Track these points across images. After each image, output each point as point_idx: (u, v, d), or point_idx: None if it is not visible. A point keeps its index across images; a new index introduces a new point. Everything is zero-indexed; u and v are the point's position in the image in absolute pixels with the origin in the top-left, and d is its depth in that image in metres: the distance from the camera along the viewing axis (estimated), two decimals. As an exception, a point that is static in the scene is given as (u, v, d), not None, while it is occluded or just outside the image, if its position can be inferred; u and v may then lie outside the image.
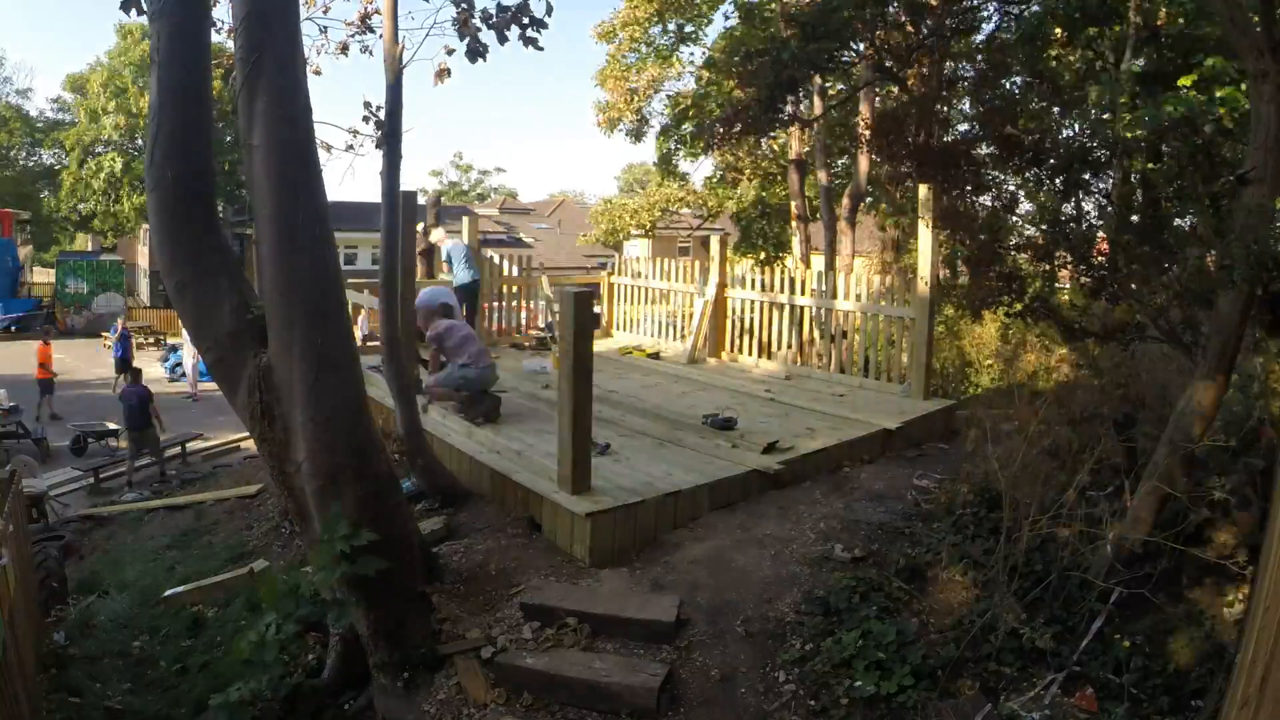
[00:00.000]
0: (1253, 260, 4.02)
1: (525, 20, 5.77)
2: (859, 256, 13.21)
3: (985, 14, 11.27)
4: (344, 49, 6.49)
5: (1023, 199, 5.67)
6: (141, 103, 30.41)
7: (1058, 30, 10.31)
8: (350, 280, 9.70)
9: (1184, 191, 4.42)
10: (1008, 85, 10.58)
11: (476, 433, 6.86)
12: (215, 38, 5.35)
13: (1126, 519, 4.64)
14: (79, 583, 7.17)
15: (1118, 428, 5.56)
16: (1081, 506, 4.83)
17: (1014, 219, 5.65)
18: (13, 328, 25.59)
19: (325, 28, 6.52)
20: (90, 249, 36.90)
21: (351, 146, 6.25)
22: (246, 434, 7.12)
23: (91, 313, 27.89)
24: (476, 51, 5.79)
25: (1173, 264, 4.42)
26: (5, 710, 4.15)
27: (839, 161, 16.08)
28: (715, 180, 18.49)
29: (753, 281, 10.00)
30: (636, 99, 16.48)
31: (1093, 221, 5.07)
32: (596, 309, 10.77)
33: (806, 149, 13.84)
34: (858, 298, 8.68)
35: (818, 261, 12.98)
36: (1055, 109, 8.78)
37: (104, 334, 24.99)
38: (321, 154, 4.85)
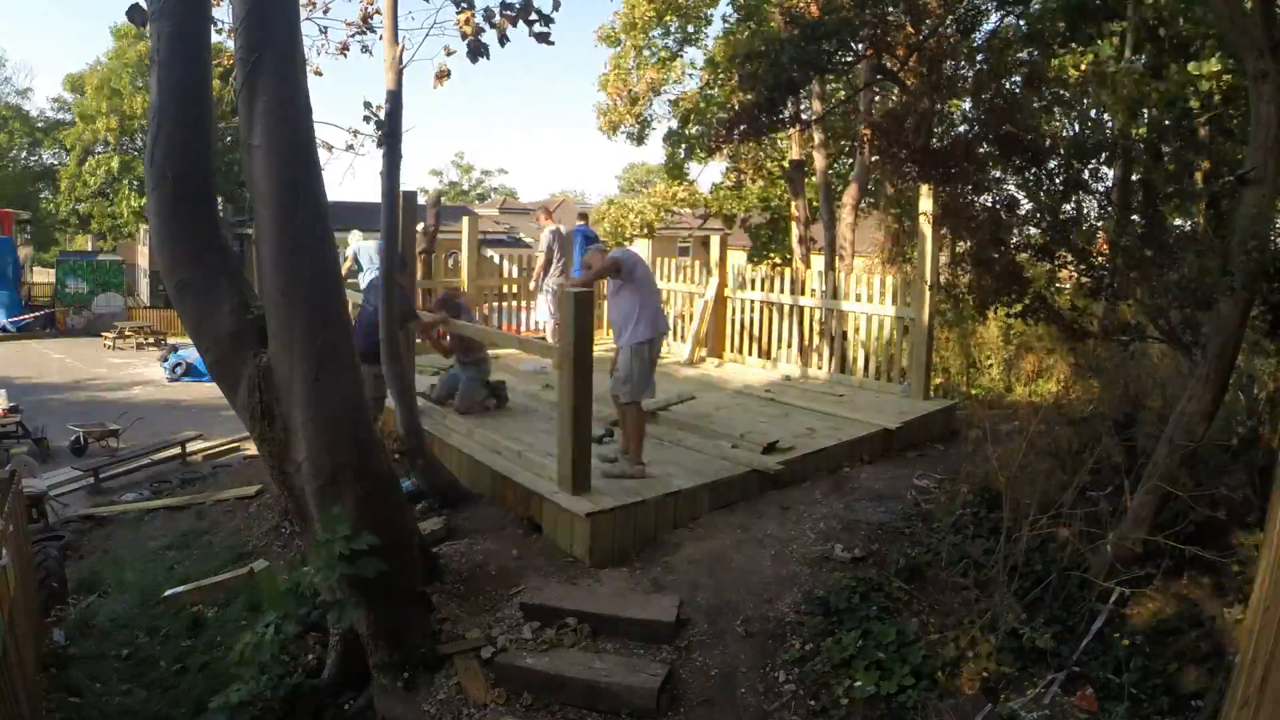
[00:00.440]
0: (1253, 267, 4.03)
1: (532, 17, 5.77)
2: (859, 256, 13.21)
3: (985, 12, 11.26)
4: (344, 49, 6.50)
5: (1023, 199, 5.67)
6: (136, 104, 30.40)
7: (1059, 26, 10.31)
8: (350, 280, 9.71)
9: (1184, 192, 4.41)
10: (1008, 85, 10.57)
11: (476, 432, 6.86)
12: (215, 38, 5.34)
13: (1126, 519, 4.64)
14: (79, 583, 7.16)
15: (1118, 428, 5.56)
16: (1081, 506, 4.83)
17: (1014, 219, 5.65)
18: (11, 327, 25.58)
19: (325, 28, 6.53)
20: (90, 249, 36.89)
21: (351, 146, 6.26)
22: (246, 434, 7.11)
23: (91, 313, 27.87)
24: (477, 51, 5.79)
25: (1173, 265, 4.42)
26: (5, 710, 4.15)
27: (838, 162, 16.09)
28: (724, 187, 18.46)
29: (753, 282, 10.00)
30: (638, 103, 16.48)
31: (1093, 221, 5.07)
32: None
33: (806, 150, 13.84)
34: (858, 298, 8.68)
35: (818, 262, 12.98)
36: (1055, 109, 8.77)
37: (104, 334, 24.99)
38: (321, 154, 4.86)
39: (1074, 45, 10.24)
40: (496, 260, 11.35)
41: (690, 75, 16.88)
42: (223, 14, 5.59)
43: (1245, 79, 4.73)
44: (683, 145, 17.81)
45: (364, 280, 9.58)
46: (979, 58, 9.79)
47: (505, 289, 11.24)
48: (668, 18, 16.05)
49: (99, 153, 32.76)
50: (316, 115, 4.65)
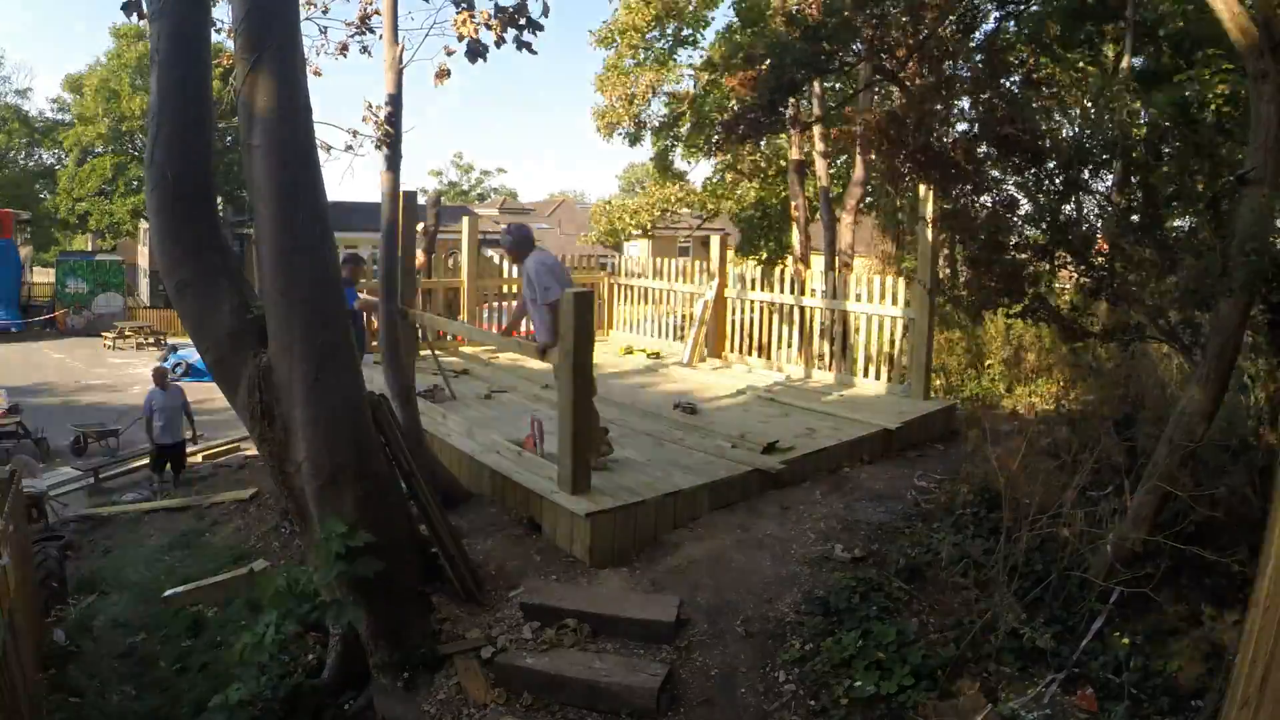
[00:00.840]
0: (1252, 267, 4.03)
1: (522, 22, 5.78)
2: (859, 257, 13.20)
3: (985, 13, 11.26)
4: (344, 49, 6.50)
5: (1022, 199, 5.66)
6: (134, 105, 30.41)
7: (1057, 29, 10.31)
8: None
9: (1184, 192, 4.41)
10: (1007, 85, 10.58)
11: (477, 433, 6.86)
12: (215, 38, 5.35)
13: (1126, 519, 4.64)
14: (79, 583, 7.17)
15: (1118, 428, 5.57)
16: (1081, 506, 4.83)
17: (1014, 219, 5.64)
18: (15, 327, 25.57)
19: (325, 28, 6.52)
20: (90, 249, 36.90)
21: (351, 146, 6.25)
22: (246, 434, 7.12)
23: (91, 313, 27.88)
24: (476, 52, 5.80)
25: (1173, 266, 4.42)
26: (5, 710, 4.15)
27: (838, 161, 16.08)
28: (714, 181, 18.49)
29: (753, 282, 10.00)
30: (635, 104, 16.48)
31: (1093, 221, 5.07)
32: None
33: (806, 150, 13.84)
34: (858, 298, 8.68)
35: (818, 262, 12.98)
36: (1054, 111, 8.78)
37: (104, 334, 24.99)
38: (321, 154, 4.86)
39: (1071, 52, 10.27)
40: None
41: (687, 76, 16.89)
42: (223, 14, 5.60)
43: (1245, 79, 4.73)
44: (672, 141, 17.84)
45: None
46: (978, 58, 9.80)
47: (505, 289, 11.23)
48: (666, 21, 16.05)
49: (99, 153, 32.78)
50: (316, 115, 4.66)
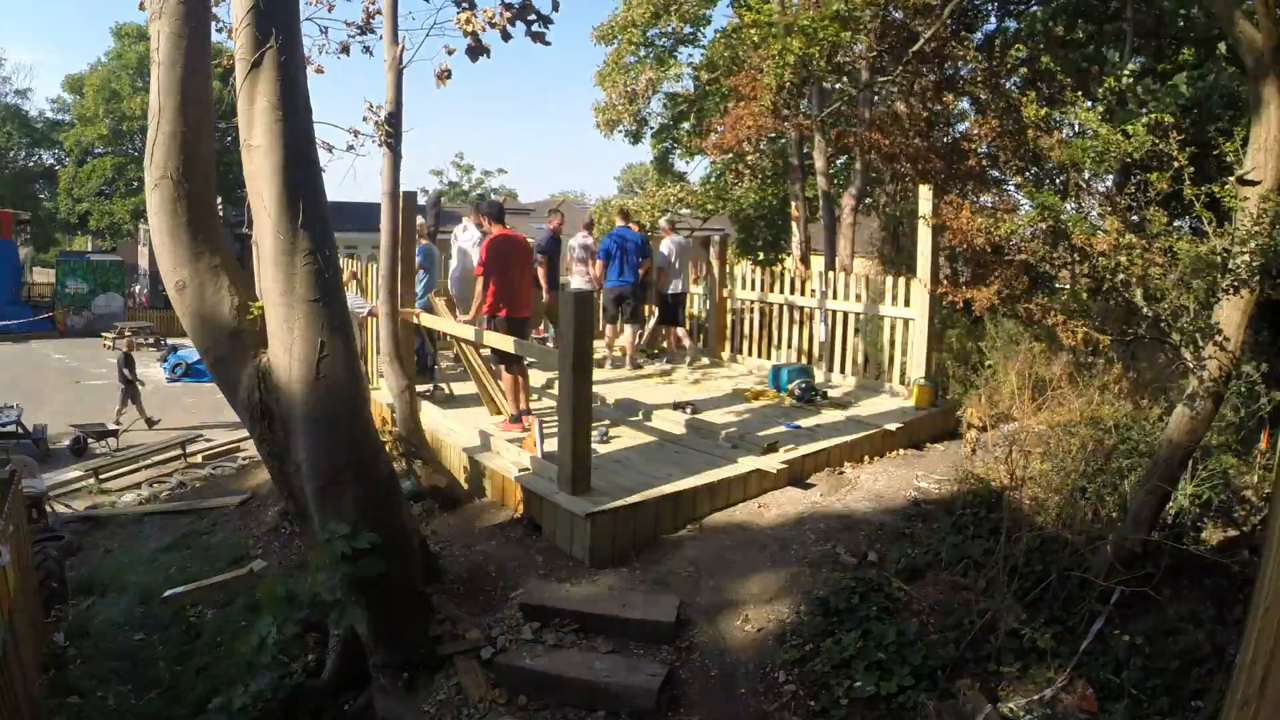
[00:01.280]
0: (1252, 267, 4.03)
1: (531, 16, 5.78)
2: (859, 257, 13.20)
3: (985, 13, 11.27)
4: (345, 49, 6.50)
5: (1022, 199, 5.67)
6: (134, 106, 30.39)
7: (1058, 30, 10.31)
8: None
9: (1183, 192, 4.41)
10: (1007, 85, 10.59)
11: (476, 433, 6.85)
12: (215, 38, 5.35)
13: (1126, 519, 4.64)
14: (79, 583, 7.16)
15: (1117, 427, 5.57)
16: (1081, 506, 4.83)
17: (1014, 219, 5.65)
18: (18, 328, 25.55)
19: (326, 28, 6.52)
20: (89, 249, 36.91)
21: (351, 146, 6.27)
22: (246, 434, 7.12)
23: (91, 313, 27.84)
24: (477, 51, 5.80)
25: (1173, 266, 4.42)
26: (6, 710, 4.15)
27: (838, 161, 16.07)
28: (712, 180, 18.47)
29: (753, 282, 10.00)
30: (636, 101, 16.47)
31: (1094, 221, 5.07)
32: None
33: (806, 150, 13.84)
34: (858, 298, 8.68)
35: (817, 262, 12.98)
36: (1054, 113, 8.80)
37: (104, 334, 24.96)
38: (321, 154, 4.86)
39: (1072, 51, 10.27)
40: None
41: (687, 74, 16.87)
42: (223, 14, 5.60)
43: (1245, 79, 4.73)
44: (671, 142, 17.81)
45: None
46: (978, 58, 9.80)
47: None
48: (664, 18, 16.03)
49: (99, 154, 32.79)
50: (316, 115, 4.66)
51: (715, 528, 5.56)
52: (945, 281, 8.06)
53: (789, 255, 14.93)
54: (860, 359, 8.79)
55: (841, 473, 6.48)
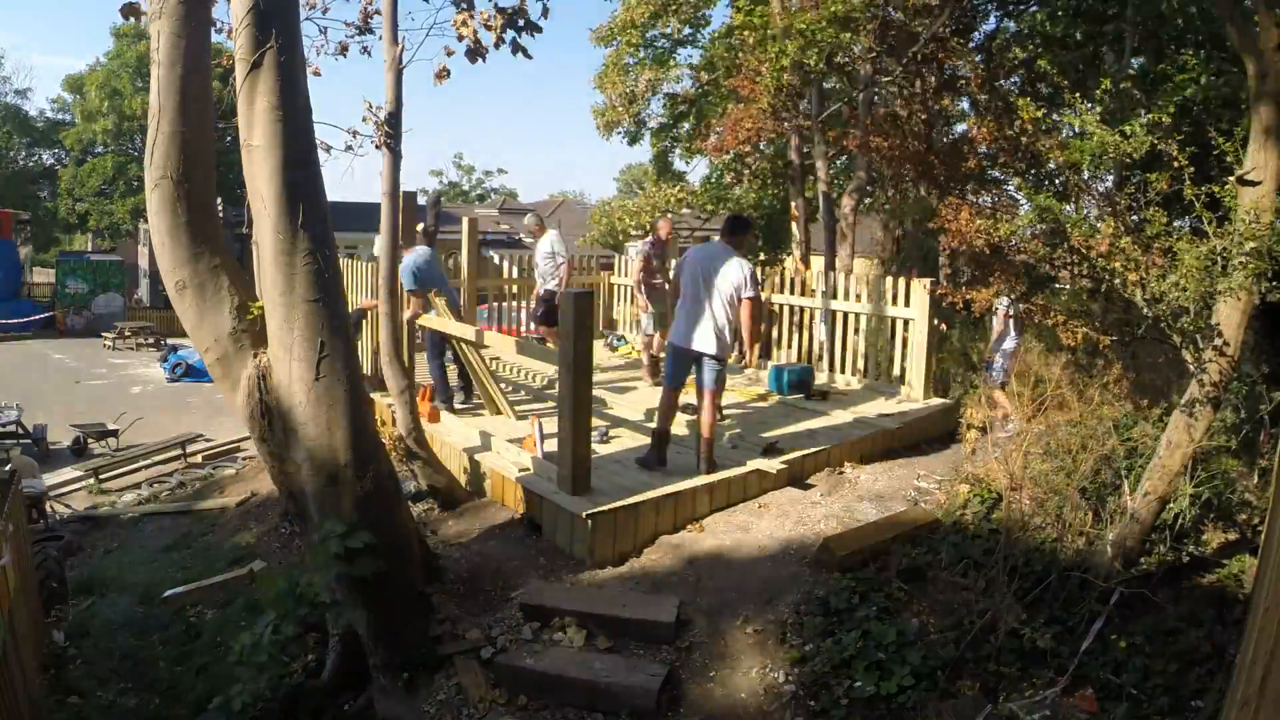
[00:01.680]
0: (1252, 267, 4.03)
1: (520, 24, 5.78)
2: (859, 257, 13.19)
3: (984, 13, 11.27)
4: (344, 50, 6.50)
5: (1022, 199, 5.67)
6: (135, 105, 30.40)
7: (1056, 31, 10.30)
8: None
9: (1183, 192, 4.42)
10: (1006, 86, 10.59)
11: (477, 433, 6.85)
12: (215, 38, 5.35)
13: (1126, 519, 4.65)
14: (79, 583, 7.16)
15: (1117, 428, 5.57)
16: (1082, 506, 4.84)
17: (1014, 219, 5.65)
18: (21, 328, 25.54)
19: (325, 28, 6.52)
20: (89, 249, 36.91)
21: (351, 146, 6.26)
22: (246, 434, 7.12)
23: (91, 313, 27.84)
24: (476, 52, 5.80)
25: (1172, 266, 4.43)
26: (6, 710, 4.14)
27: (839, 161, 16.06)
28: (712, 182, 18.46)
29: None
30: (635, 103, 16.44)
31: (1093, 222, 5.08)
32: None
33: (806, 150, 13.84)
34: (858, 298, 8.67)
35: (817, 262, 12.97)
36: (1053, 110, 8.81)
37: (104, 334, 24.96)
38: (321, 154, 4.86)
39: (1071, 51, 10.26)
40: (497, 260, 11.32)
41: (686, 75, 16.85)
42: (223, 14, 5.60)
43: (1245, 79, 4.73)
44: (671, 142, 17.78)
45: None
46: (978, 58, 9.80)
47: (505, 289, 11.23)
48: (664, 19, 16.01)
49: (99, 153, 32.81)
50: (316, 115, 4.65)
51: (715, 527, 5.56)
52: (945, 282, 8.06)
53: (790, 256, 14.90)
54: (860, 359, 8.79)
55: (841, 473, 6.48)
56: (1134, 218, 4.98)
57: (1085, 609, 4.39)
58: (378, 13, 6.16)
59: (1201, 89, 7.89)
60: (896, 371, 8.41)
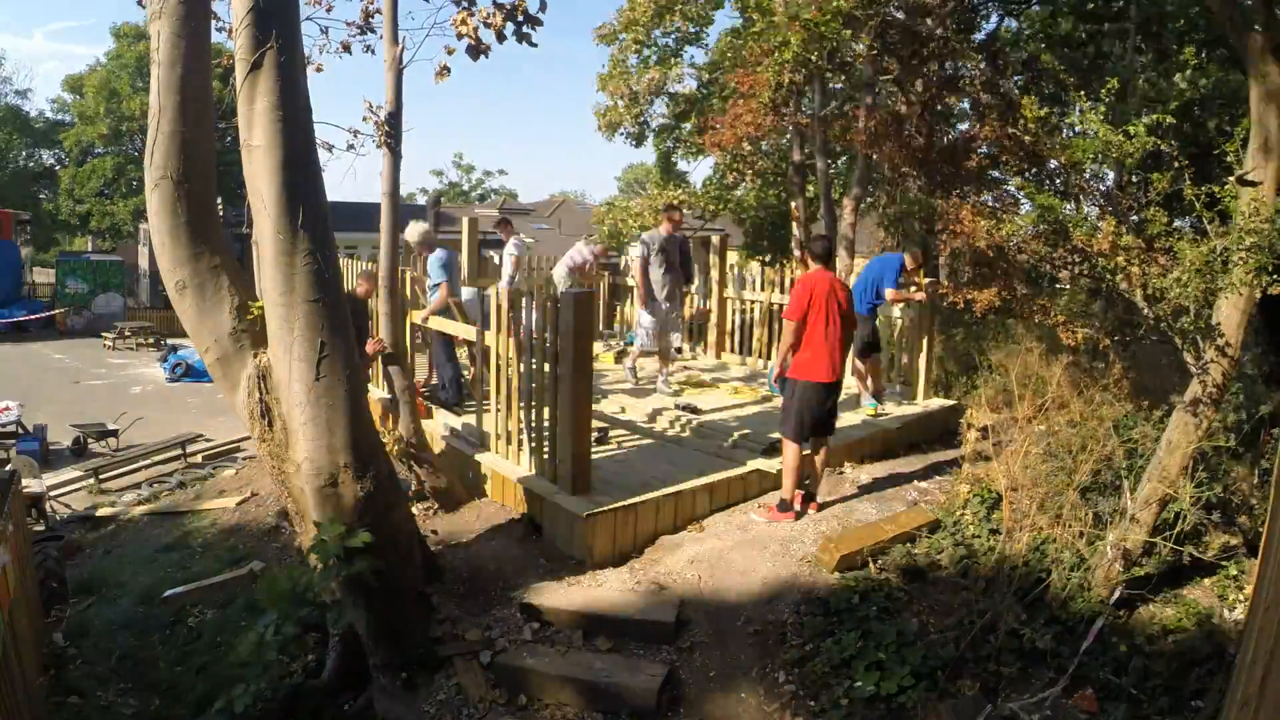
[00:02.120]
0: (1251, 267, 4.03)
1: (520, 18, 5.79)
2: (860, 257, 13.19)
3: (985, 13, 11.26)
4: (345, 48, 6.50)
5: (1022, 199, 5.67)
6: (134, 106, 30.38)
7: (1059, 29, 10.29)
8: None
9: (1183, 191, 4.42)
10: (1007, 85, 10.57)
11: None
12: (215, 38, 5.34)
13: (1126, 519, 4.64)
14: (79, 583, 7.16)
15: (1117, 428, 5.57)
16: (1081, 506, 4.83)
17: (1014, 219, 5.65)
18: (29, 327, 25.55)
19: (326, 28, 6.52)
20: (90, 249, 36.91)
21: (352, 146, 6.26)
22: (246, 434, 7.12)
23: (92, 313, 27.84)
24: (477, 49, 5.80)
25: (1172, 266, 4.43)
26: (6, 710, 4.14)
27: (839, 161, 16.06)
28: (714, 182, 18.45)
29: (753, 282, 9.99)
30: (638, 103, 16.42)
31: (1093, 221, 5.08)
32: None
33: (807, 149, 13.83)
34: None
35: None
36: (1055, 109, 8.81)
37: (104, 334, 24.97)
38: (321, 154, 4.85)
39: (1073, 50, 10.26)
40: (497, 261, 11.31)
41: (689, 75, 16.85)
42: (223, 14, 5.60)
43: (1244, 79, 4.73)
44: (671, 139, 17.76)
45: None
46: (979, 58, 9.79)
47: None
48: (668, 17, 15.99)
49: (100, 154, 32.81)
50: (316, 115, 4.65)
51: (715, 527, 5.56)
52: (946, 282, 8.05)
53: (792, 257, 14.90)
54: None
55: (841, 473, 6.48)
56: (1135, 218, 4.98)
57: (1085, 609, 4.39)
58: (378, 11, 6.16)
59: (1202, 89, 7.89)
60: (897, 371, 8.40)
